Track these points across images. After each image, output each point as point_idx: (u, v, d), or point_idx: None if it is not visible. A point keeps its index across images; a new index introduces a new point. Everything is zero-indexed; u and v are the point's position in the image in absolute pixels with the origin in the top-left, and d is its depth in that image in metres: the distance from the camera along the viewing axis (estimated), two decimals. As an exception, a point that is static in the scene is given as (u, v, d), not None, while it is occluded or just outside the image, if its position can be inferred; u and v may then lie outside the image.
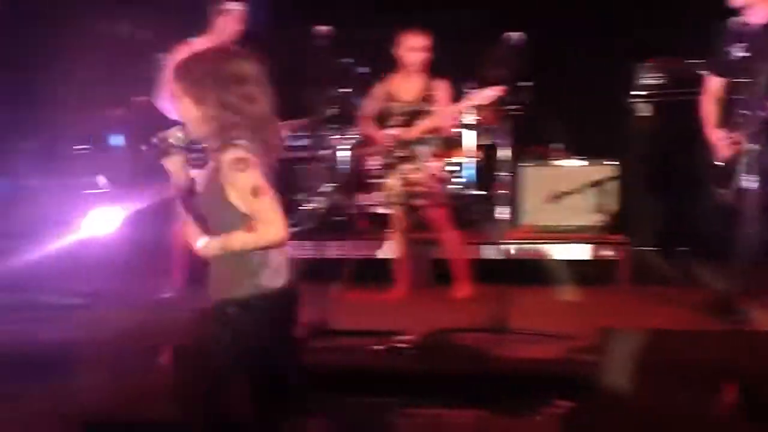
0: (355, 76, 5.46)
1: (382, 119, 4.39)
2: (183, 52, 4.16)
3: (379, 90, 4.42)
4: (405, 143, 4.26)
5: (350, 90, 5.43)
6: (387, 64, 4.37)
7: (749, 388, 2.31)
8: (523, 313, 3.48)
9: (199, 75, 2.02)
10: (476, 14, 5.22)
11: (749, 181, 3.41)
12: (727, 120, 3.55)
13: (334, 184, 5.34)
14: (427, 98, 4.27)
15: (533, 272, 4.55)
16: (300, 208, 5.60)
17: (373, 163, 4.44)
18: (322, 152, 5.53)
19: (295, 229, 5.42)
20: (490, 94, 4.17)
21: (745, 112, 3.44)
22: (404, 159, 4.27)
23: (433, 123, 4.23)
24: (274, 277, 2.07)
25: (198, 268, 2.21)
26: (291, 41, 4.80)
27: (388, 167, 4.34)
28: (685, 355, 2.41)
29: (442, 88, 4.30)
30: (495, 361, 3.05)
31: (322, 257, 4.58)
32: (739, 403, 2.29)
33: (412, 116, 4.28)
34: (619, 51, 5.35)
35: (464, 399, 2.93)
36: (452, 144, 4.90)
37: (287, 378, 2.16)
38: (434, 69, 4.41)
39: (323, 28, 3.64)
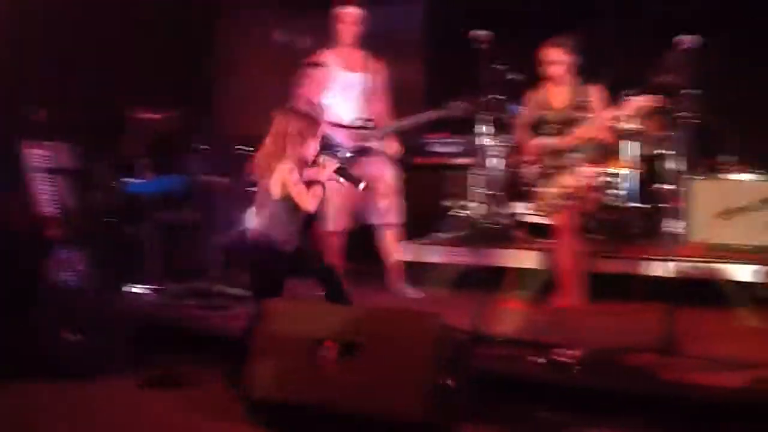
0: (509, 82, 5.40)
1: (536, 127, 4.36)
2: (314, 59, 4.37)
3: (532, 98, 4.39)
4: (559, 152, 4.19)
5: (504, 96, 5.37)
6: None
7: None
8: (693, 336, 3.26)
9: None
10: (648, 17, 5.00)
11: None
12: None
13: (487, 191, 5.29)
14: (580, 105, 4.22)
15: (701, 292, 4.27)
16: (451, 214, 5.60)
17: (528, 171, 4.38)
18: (475, 158, 5.50)
19: (447, 235, 5.43)
20: (645, 101, 4.01)
21: None
22: (558, 168, 4.18)
23: (586, 131, 4.14)
24: None
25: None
26: (449, 46, 4.80)
27: (543, 176, 4.27)
28: None
29: (596, 95, 4.22)
30: (662, 384, 2.88)
31: (476, 264, 4.52)
32: None
33: (565, 124, 4.23)
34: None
35: (630, 420, 2.80)
36: (609, 153, 4.73)
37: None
38: (595, 75, 4.31)
39: (482, 33, 3.65)
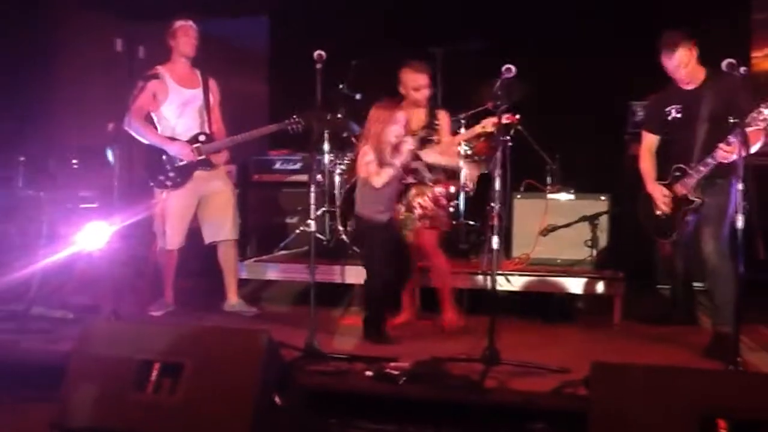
0: (350, 100, 5.52)
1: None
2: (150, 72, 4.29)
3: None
4: (410, 170, 4.28)
5: (345, 114, 5.47)
6: (380, 91, 4.44)
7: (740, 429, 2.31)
8: (513, 345, 3.46)
9: None
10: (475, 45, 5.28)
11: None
12: (665, 174, 3.82)
13: (328, 208, 5.34)
14: (430, 127, 4.34)
15: (524, 304, 4.56)
16: (292, 231, 5.60)
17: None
18: (316, 176, 5.54)
19: (289, 251, 5.42)
20: (486, 124, 4.25)
21: (681, 166, 3.72)
22: (410, 185, 4.29)
23: (437, 151, 4.29)
24: None
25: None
26: (293, 62, 4.82)
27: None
28: (674, 392, 2.39)
29: (444, 118, 4.39)
30: (485, 391, 3.02)
31: (314, 281, 4.52)
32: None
33: (420, 144, 4.31)
34: (614, 88, 5.45)
35: (454, 428, 2.91)
36: (452, 173, 4.93)
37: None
38: (435, 98, 4.50)
39: (318, 53, 3.71)
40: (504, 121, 3.98)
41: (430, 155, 4.27)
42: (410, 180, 4.27)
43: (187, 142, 4.46)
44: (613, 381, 2.50)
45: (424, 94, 4.31)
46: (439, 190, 4.32)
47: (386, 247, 3.92)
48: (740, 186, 3.05)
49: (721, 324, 3.58)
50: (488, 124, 4.23)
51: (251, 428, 2.53)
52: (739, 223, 3.02)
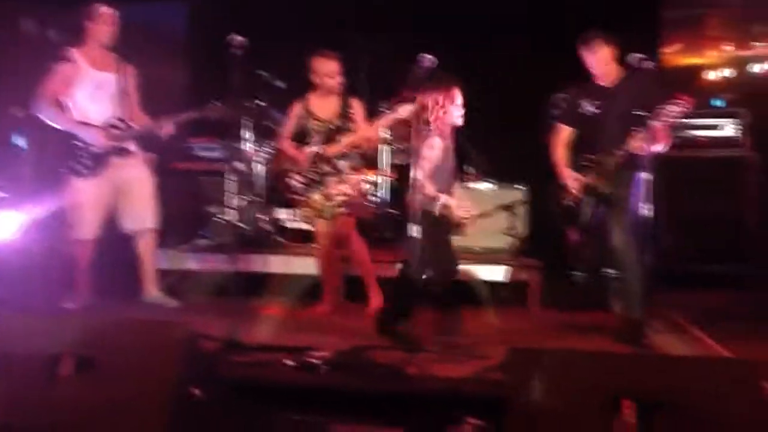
0: (271, 89, 5.46)
1: (302, 136, 4.44)
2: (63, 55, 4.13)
3: (297, 108, 4.47)
4: (326, 159, 4.30)
5: (267, 103, 5.41)
6: (305, 80, 4.42)
7: (649, 410, 2.43)
8: (434, 333, 3.53)
9: None
10: (396, 36, 5.32)
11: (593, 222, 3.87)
12: (575, 165, 3.95)
13: (249, 197, 5.28)
14: (345, 116, 4.37)
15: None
16: (214, 219, 5.51)
17: (294, 179, 4.42)
18: (236, 164, 5.47)
19: (208, 241, 5.33)
20: (403, 113, 4.26)
21: (592, 158, 3.85)
22: (326, 174, 4.30)
23: (352, 140, 4.32)
24: None
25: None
26: (214, 48, 4.73)
27: (310, 183, 4.36)
28: (584, 375, 2.50)
29: (358, 107, 4.42)
30: (407, 379, 3.07)
31: (237, 271, 4.48)
32: (639, 425, 2.39)
33: (330, 133, 4.34)
34: (533, 81, 5.59)
35: (377, 416, 2.95)
36: (370, 162, 4.98)
37: None
38: (352, 88, 4.51)
39: (237, 38, 3.63)
40: (405, 110, 4.04)
41: (344, 143, 4.29)
42: (327, 169, 4.29)
43: (102, 127, 4.32)
44: (528, 366, 2.58)
45: (335, 81, 4.33)
46: (359, 177, 4.35)
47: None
48: (647, 177, 3.19)
49: (630, 309, 3.74)
50: (404, 112, 4.25)
51: (169, 422, 2.49)
52: (647, 212, 3.16)
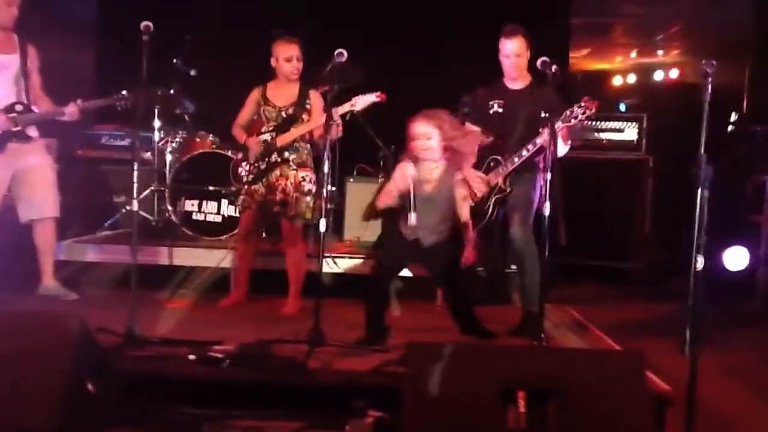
0: (183, 77, 5.36)
1: (255, 125, 4.32)
2: None
3: (254, 94, 4.34)
4: (275, 148, 4.21)
5: (178, 90, 5.31)
6: (216, 68, 4.36)
7: (540, 400, 2.53)
8: (339, 327, 3.56)
9: None
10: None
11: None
12: (482, 163, 4.01)
13: (157, 188, 5.17)
14: (300, 105, 4.26)
15: (352, 286, 4.66)
16: (117, 210, 5.37)
17: (241, 166, 4.31)
18: (145, 153, 5.34)
19: (110, 232, 5.19)
20: (351, 106, 4.17)
21: (496, 157, 3.95)
22: (274, 164, 4.22)
23: (301, 129, 4.22)
24: None
25: None
26: (123, 34, 4.59)
27: (255, 172, 4.26)
28: (480, 367, 2.58)
29: (316, 98, 4.31)
30: (308, 372, 3.09)
31: (139, 263, 4.37)
32: (530, 414, 2.49)
33: (283, 122, 4.23)
34: (446, 79, 5.69)
35: (278, 410, 2.95)
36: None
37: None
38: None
39: (145, 23, 3.51)
40: (375, 99, 4.03)
41: (294, 133, 4.21)
42: (275, 159, 4.20)
43: (1, 111, 4.13)
44: (427, 358, 2.64)
45: (294, 66, 4.24)
46: (303, 174, 4.26)
47: None
48: (548, 176, 3.31)
49: (529, 304, 3.88)
50: (356, 102, 4.17)
51: (61, 417, 2.43)
52: (546, 210, 3.28)
